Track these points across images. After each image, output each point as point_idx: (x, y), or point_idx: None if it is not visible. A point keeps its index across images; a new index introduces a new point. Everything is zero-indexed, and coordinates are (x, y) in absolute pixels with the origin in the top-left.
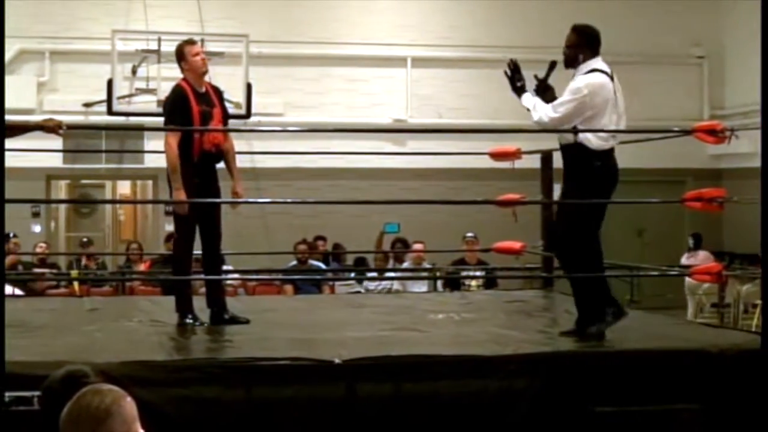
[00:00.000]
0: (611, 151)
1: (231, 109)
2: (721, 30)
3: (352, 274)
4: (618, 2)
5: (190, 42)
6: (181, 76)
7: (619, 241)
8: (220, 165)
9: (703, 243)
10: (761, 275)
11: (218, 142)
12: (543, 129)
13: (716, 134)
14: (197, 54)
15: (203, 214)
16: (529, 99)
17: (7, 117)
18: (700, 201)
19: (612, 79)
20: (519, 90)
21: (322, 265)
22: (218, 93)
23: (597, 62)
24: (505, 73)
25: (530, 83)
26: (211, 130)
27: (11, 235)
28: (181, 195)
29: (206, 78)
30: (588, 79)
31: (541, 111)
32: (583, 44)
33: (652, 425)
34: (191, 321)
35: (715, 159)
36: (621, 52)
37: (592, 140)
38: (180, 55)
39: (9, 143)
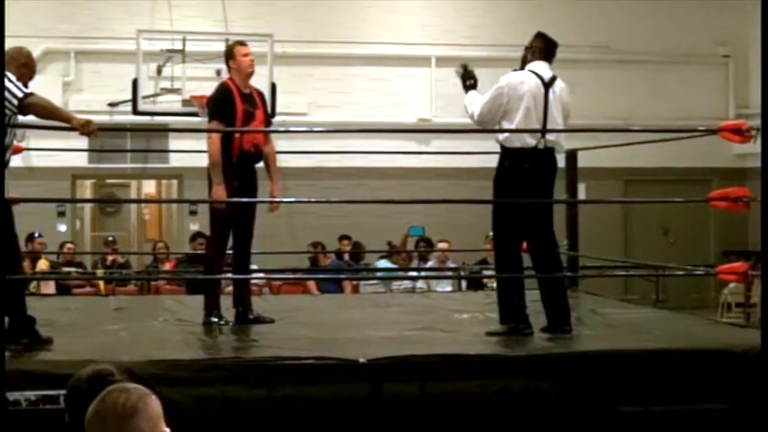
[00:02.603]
0: (530, 151)
1: None
2: (747, 29)
3: (378, 273)
4: (643, 2)
5: (241, 43)
6: (205, 75)
7: (644, 240)
8: (259, 165)
9: (728, 243)
10: (761, 275)
11: (258, 143)
12: (483, 129)
13: (742, 133)
14: (247, 55)
15: (240, 214)
16: (469, 95)
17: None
18: (726, 200)
19: (549, 84)
20: (468, 88)
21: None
22: (261, 96)
23: (537, 65)
24: (456, 71)
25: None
26: (243, 131)
27: (36, 235)
28: (220, 190)
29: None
30: (509, 77)
31: (473, 105)
32: (533, 46)
33: (677, 425)
34: (216, 320)
35: (741, 158)
36: (646, 51)
37: (509, 139)
38: (229, 55)
39: (35, 142)
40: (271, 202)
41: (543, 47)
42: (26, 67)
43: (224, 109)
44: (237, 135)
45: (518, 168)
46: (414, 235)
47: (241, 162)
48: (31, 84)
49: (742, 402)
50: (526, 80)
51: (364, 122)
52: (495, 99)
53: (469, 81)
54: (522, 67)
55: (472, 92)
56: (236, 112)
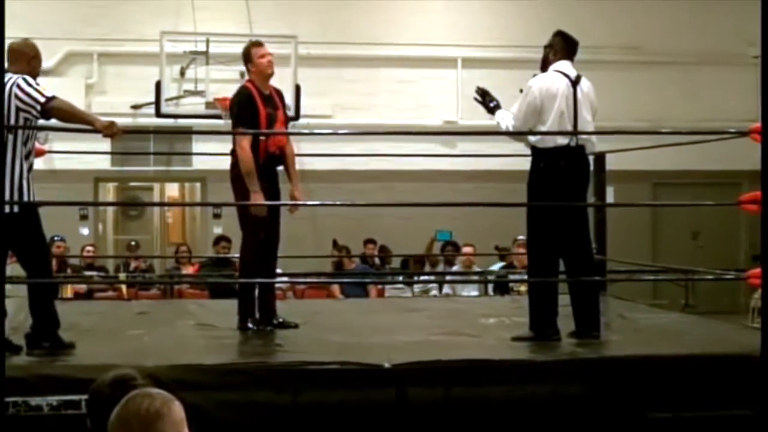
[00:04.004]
0: (563, 149)
1: None
2: None
3: (401, 278)
4: (672, 3)
5: (257, 44)
6: (229, 77)
7: (673, 244)
8: (280, 168)
9: (758, 247)
10: (761, 275)
11: (282, 145)
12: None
13: None
14: (264, 56)
15: (268, 217)
16: (499, 114)
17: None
18: (756, 203)
19: (575, 82)
20: (492, 110)
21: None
22: (280, 95)
23: (562, 65)
24: (476, 99)
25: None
26: (268, 133)
27: (57, 238)
28: (258, 197)
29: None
30: (538, 81)
31: (506, 120)
32: (554, 46)
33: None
34: (252, 325)
35: None
36: (675, 53)
37: (542, 139)
38: (246, 57)
39: (57, 145)
40: (297, 205)
41: (565, 46)
42: (36, 59)
43: (248, 114)
44: (262, 138)
45: (554, 167)
46: (441, 239)
47: (267, 164)
48: (53, 86)
49: None
50: (556, 81)
51: (389, 124)
52: (529, 104)
53: (491, 103)
54: (544, 67)
55: (499, 111)
56: (260, 115)
